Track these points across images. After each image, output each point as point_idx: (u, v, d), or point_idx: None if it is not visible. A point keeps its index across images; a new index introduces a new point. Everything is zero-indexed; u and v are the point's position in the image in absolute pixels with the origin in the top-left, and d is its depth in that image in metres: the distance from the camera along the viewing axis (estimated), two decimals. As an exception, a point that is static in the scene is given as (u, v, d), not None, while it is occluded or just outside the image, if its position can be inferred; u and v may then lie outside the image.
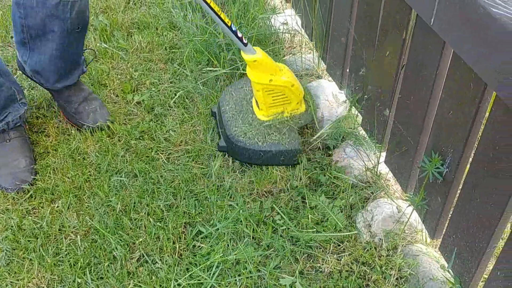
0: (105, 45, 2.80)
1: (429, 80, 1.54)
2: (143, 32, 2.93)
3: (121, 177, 2.09)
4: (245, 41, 1.86)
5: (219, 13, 1.77)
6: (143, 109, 2.44)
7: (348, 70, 2.17)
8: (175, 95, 2.48)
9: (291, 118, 2.10)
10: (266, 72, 1.96)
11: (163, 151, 2.21)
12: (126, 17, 3.05)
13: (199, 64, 2.64)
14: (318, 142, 2.14)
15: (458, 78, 1.39)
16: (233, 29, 1.81)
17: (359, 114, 2.13)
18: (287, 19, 2.73)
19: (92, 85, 2.59)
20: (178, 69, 2.65)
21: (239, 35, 1.83)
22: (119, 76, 2.64)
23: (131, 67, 2.70)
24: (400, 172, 1.83)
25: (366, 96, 1.99)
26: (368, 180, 1.94)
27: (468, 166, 1.46)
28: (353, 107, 2.14)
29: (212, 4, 1.75)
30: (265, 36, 2.65)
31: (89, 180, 2.11)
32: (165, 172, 2.12)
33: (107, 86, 2.58)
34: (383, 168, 1.96)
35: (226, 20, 1.79)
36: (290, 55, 2.63)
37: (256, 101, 2.08)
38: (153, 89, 2.55)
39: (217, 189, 2.03)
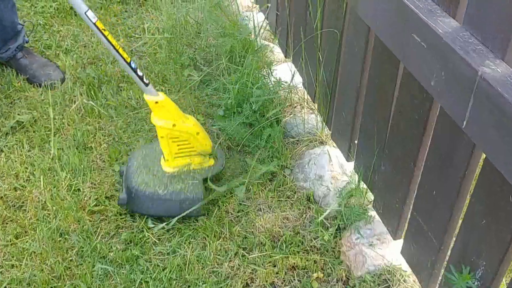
0: (92, 102, 2.60)
1: (455, 179, 1.34)
2: (133, 86, 2.74)
3: (106, 264, 1.88)
4: (146, 80, 1.76)
5: (117, 48, 1.67)
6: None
7: (357, 142, 1.98)
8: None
9: (198, 170, 2.01)
10: (169, 117, 1.88)
11: (153, 232, 2.00)
12: (116, 69, 2.86)
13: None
14: (323, 221, 1.94)
15: (489, 182, 1.20)
16: (133, 66, 1.72)
17: (369, 190, 1.94)
18: (282, 78, 2.54)
19: (76, 148, 2.38)
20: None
21: (140, 73, 1.74)
22: (106, 138, 2.44)
23: (120, 127, 2.50)
24: (420, 269, 1.63)
25: (378, 176, 1.80)
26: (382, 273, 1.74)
27: (504, 282, 1.26)
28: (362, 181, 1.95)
29: (109, 37, 1.64)
30: (268, 101, 2.46)
31: (70, 268, 1.89)
32: (155, 256, 1.91)
33: (92, 149, 2.38)
34: (399, 258, 1.76)
35: (125, 56, 1.68)
36: (291, 115, 2.44)
37: (163, 153, 1.99)
38: (143, 154, 2.34)
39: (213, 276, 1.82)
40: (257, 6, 3.20)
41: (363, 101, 1.82)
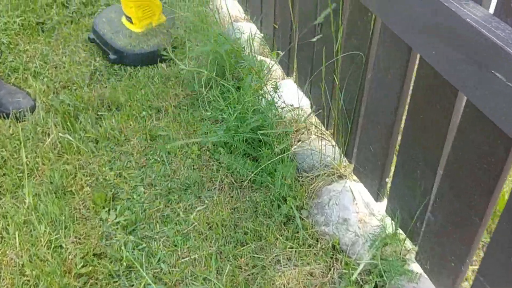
0: (68, 136, 2.26)
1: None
2: (115, 114, 2.40)
3: None
4: None
5: None
6: (122, 230, 1.91)
7: (388, 180, 1.70)
8: (164, 206, 1.97)
9: (158, 26, 2.75)
10: None
11: None
12: (93, 93, 2.52)
13: (192, 154, 2.13)
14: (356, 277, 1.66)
15: None
16: None
17: (408, 238, 1.66)
18: (286, 99, 2.25)
19: (55, 193, 2.05)
20: (162, 165, 2.13)
21: None
22: (88, 179, 2.11)
23: (104, 164, 2.16)
24: None
25: (425, 226, 1.52)
26: None
27: None
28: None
29: None
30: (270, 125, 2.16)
31: None
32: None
33: (73, 194, 2.04)
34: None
35: None
36: (299, 142, 2.15)
37: (129, 18, 2.67)
38: (134, 197, 2.03)
39: None
40: (248, 17, 2.89)
41: (401, 136, 1.54)
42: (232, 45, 2.31)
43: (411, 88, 1.46)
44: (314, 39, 1.87)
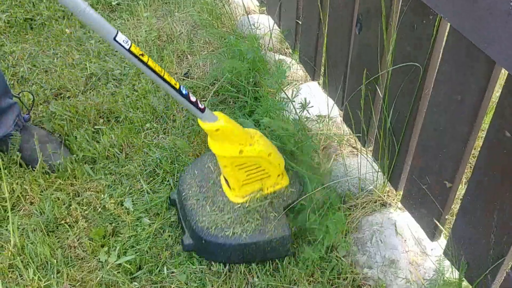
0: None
1: None
2: (115, 127, 2.08)
3: None
4: (201, 105, 1.39)
5: (162, 74, 1.29)
6: (125, 274, 1.60)
7: (448, 218, 1.39)
8: (174, 241, 1.66)
9: (274, 196, 1.64)
10: (234, 142, 1.50)
11: None
12: (89, 102, 2.19)
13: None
14: None
15: None
16: (184, 92, 1.35)
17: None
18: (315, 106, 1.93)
19: (46, 226, 1.74)
20: (169, 189, 1.83)
21: (193, 99, 1.37)
22: (85, 209, 1.80)
23: (102, 190, 1.85)
24: None
25: (502, 283, 1.21)
26: None
27: None
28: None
29: (151, 63, 1.26)
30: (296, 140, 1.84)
31: None
32: None
33: (67, 229, 1.73)
34: None
35: (173, 82, 1.32)
36: (331, 162, 1.83)
37: (226, 180, 1.62)
38: (138, 231, 1.72)
39: None
40: (264, 8, 2.55)
41: (472, 170, 1.22)
42: (255, 60, 1.96)
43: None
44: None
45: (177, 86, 1.34)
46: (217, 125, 1.44)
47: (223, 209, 1.61)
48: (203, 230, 1.57)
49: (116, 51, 2.48)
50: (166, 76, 1.30)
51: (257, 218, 1.59)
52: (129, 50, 1.21)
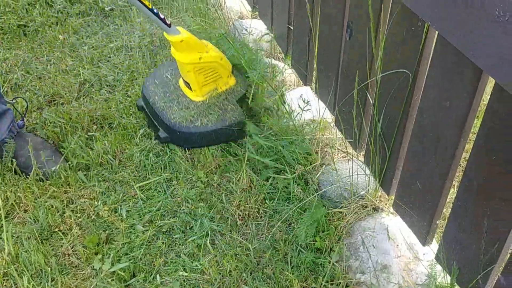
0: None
1: None
2: (108, 134, 2.09)
3: None
4: (168, 21, 1.77)
5: None
6: (119, 282, 1.61)
7: (438, 222, 1.39)
8: (168, 249, 1.67)
9: (227, 92, 2.01)
10: (194, 50, 1.88)
11: None
12: (82, 108, 2.20)
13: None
14: None
15: None
16: (155, 11, 1.73)
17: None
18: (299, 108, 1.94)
19: (40, 234, 1.74)
20: (163, 195, 1.83)
21: (162, 16, 1.74)
22: (78, 217, 1.80)
23: (96, 197, 1.86)
24: None
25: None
26: None
27: None
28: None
29: None
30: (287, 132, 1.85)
31: None
32: None
33: (61, 236, 1.74)
34: None
35: (147, 3, 1.70)
36: (323, 167, 1.84)
37: (187, 83, 1.97)
38: (131, 238, 1.72)
39: None
40: (256, 13, 2.55)
41: (463, 175, 1.23)
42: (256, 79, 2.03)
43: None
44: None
45: (150, 6, 1.69)
46: (181, 37, 1.81)
47: (189, 107, 1.95)
48: (176, 124, 1.90)
49: (109, 57, 2.49)
50: None
51: (217, 110, 1.94)
52: None
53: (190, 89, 1.96)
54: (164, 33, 1.80)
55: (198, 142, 1.93)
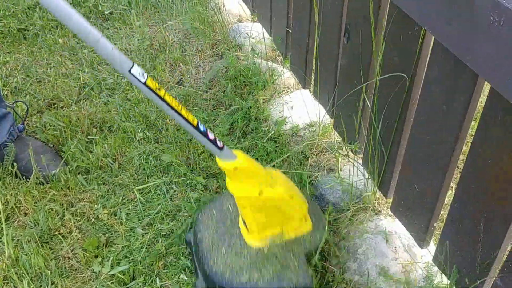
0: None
1: None
2: (108, 137, 2.10)
3: None
4: (220, 143, 1.30)
5: (178, 109, 1.21)
6: (119, 285, 1.61)
7: (436, 225, 1.40)
8: (167, 251, 1.68)
9: (295, 241, 1.51)
10: (253, 182, 1.39)
11: None
12: (82, 112, 2.21)
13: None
14: None
15: None
16: (201, 129, 1.27)
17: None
18: (298, 112, 1.95)
19: (40, 237, 1.75)
20: (163, 199, 1.84)
21: (211, 136, 1.28)
22: (78, 220, 1.81)
23: (95, 201, 1.86)
24: None
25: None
26: None
27: None
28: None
29: (167, 98, 1.18)
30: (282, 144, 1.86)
31: None
32: None
33: (61, 240, 1.74)
34: None
35: (190, 118, 1.24)
36: (320, 168, 1.85)
37: (244, 222, 1.49)
38: (131, 241, 1.73)
39: None
40: (254, 17, 2.57)
41: (459, 176, 1.24)
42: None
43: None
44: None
45: (195, 123, 1.26)
46: (236, 164, 1.33)
47: (240, 253, 1.49)
48: (216, 275, 1.44)
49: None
50: (183, 112, 1.22)
51: (275, 264, 1.46)
52: (145, 84, 1.13)
53: (247, 229, 1.51)
54: (216, 157, 1.36)
55: None
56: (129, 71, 1.10)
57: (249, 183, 1.39)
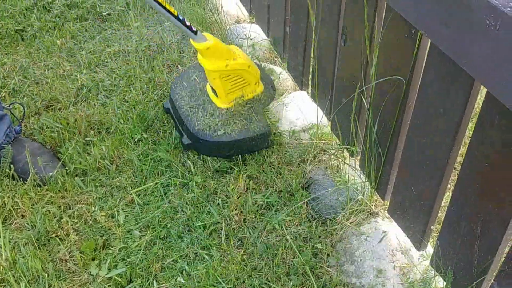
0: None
1: None
2: (105, 138, 2.09)
3: None
4: (194, 28, 1.71)
5: (163, 3, 1.61)
6: (115, 286, 1.61)
7: (433, 227, 1.40)
8: (164, 254, 1.67)
9: (253, 100, 1.95)
10: (221, 57, 1.82)
11: None
12: (80, 113, 2.20)
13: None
14: None
15: None
16: (181, 18, 1.69)
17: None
18: (296, 113, 1.95)
19: (37, 240, 1.75)
20: (160, 201, 1.83)
21: (187, 23, 1.70)
22: (76, 222, 1.81)
23: (93, 203, 1.86)
24: None
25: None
26: None
27: None
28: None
29: None
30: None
31: None
32: None
33: (58, 242, 1.74)
34: None
35: (172, 10, 1.65)
36: (317, 169, 1.84)
37: (213, 89, 1.91)
38: (128, 243, 1.73)
39: None
40: (252, 18, 2.57)
41: (457, 179, 1.24)
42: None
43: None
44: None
45: (176, 13, 1.64)
46: (208, 44, 1.74)
47: (213, 114, 1.90)
48: (199, 132, 1.85)
49: (107, 61, 2.50)
50: (167, 6, 1.60)
51: (242, 119, 1.88)
52: None
53: (216, 95, 1.91)
54: (191, 40, 1.74)
55: (221, 152, 1.88)
56: None
57: (217, 58, 1.80)
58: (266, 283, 1.59)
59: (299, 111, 2.01)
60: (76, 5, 2.90)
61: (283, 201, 1.79)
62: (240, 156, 1.91)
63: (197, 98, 1.96)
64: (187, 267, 1.64)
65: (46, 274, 1.64)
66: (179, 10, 2.73)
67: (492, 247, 1.18)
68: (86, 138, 2.10)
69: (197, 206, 1.82)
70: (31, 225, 1.80)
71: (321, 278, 1.57)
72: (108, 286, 1.61)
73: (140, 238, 1.74)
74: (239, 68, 1.85)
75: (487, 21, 0.92)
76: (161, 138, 2.07)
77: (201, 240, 1.71)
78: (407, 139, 1.39)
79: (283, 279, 1.58)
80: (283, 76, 2.25)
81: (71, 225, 1.79)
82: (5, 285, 1.63)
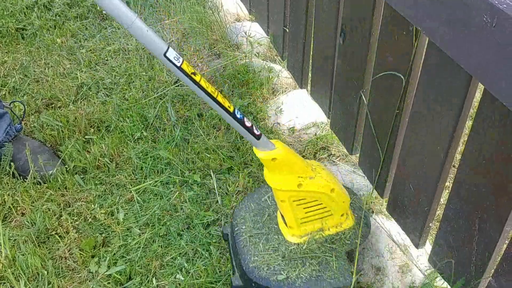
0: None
1: None
2: (105, 136, 2.10)
3: None
4: (257, 131, 1.24)
5: (214, 95, 1.15)
6: (115, 285, 1.62)
7: (431, 225, 1.40)
8: (164, 251, 1.68)
9: (335, 237, 1.44)
10: (292, 173, 1.32)
11: None
12: (80, 112, 2.21)
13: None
14: None
15: None
16: (238, 116, 1.21)
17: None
18: (296, 112, 1.95)
19: (37, 237, 1.75)
20: (160, 199, 1.84)
21: (248, 124, 1.21)
22: (75, 220, 1.81)
23: (92, 201, 1.87)
24: None
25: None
26: None
27: None
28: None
29: (203, 83, 1.14)
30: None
31: None
32: None
33: (58, 240, 1.75)
34: None
35: (227, 105, 1.18)
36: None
37: (282, 216, 1.43)
38: (128, 241, 1.73)
39: None
40: (252, 16, 2.57)
41: (454, 177, 1.24)
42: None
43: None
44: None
45: (231, 109, 1.20)
46: (274, 154, 1.27)
47: (278, 249, 1.42)
48: (253, 271, 1.38)
49: (107, 60, 2.50)
50: (219, 98, 1.17)
51: (314, 263, 1.39)
52: (180, 68, 1.09)
53: (286, 224, 1.45)
54: (253, 147, 1.30)
55: None
56: (164, 54, 1.07)
57: (288, 175, 1.33)
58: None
59: (299, 109, 2.02)
60: (77, 4, 2.91)
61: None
62: (240, 153, 1.91)
63: (262, 225, 1.49)
64: (186, 265, 1.64)
65: (46, 272, 1.65)
66: (180, 9, 2.73)
67: (490, 244, 1.18)
68: (86, 136, 2.11)
69: (197, 204, 1.82)
70: (31, 222, 1.80)
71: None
72: (108, 283, 1.61)
73: (140, 235, 1.75)
74: (317, 191, 1.36)
75: (484, 18, 0.92)
76: (161, 136, 2.08)
77: (200, 237, 1.71)
78: (405, 136, 1.39)
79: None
80: (283, 74, 2.25)
81: (71, 222, 1.80)
82: (4, 282, 1.63)
